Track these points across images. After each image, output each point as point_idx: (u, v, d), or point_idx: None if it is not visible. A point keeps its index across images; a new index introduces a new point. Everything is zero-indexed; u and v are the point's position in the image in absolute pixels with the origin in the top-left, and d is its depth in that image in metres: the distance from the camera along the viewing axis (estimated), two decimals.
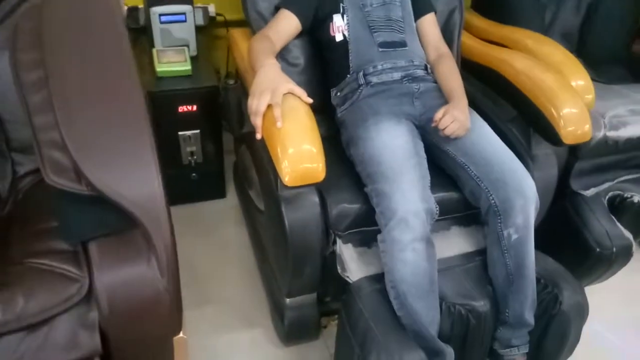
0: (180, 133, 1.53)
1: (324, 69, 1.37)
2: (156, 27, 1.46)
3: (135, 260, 0.77)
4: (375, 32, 1.27)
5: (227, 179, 1.80)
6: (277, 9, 1.30)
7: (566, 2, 1.73)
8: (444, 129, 1.11)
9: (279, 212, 1.05)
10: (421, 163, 1.09)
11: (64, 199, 0.78)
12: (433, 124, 1.12)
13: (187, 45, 1.53)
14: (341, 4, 1.28)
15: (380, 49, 1.26)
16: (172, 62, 1.46)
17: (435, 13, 1.40)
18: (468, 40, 1.51)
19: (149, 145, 0.77)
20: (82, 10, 0.89)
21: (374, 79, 1.24)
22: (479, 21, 1.63)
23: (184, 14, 1.47)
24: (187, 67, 1.47)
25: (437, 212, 1.03)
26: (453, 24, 1.49)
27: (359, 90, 1.24)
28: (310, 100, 1.03)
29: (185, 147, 1.57)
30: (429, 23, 1.37)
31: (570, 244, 1.39)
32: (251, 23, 1.35)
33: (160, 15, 1.44)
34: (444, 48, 1.36)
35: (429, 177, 1.08)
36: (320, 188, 1.08)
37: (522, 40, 1.45)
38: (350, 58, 1.27)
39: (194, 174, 1.66)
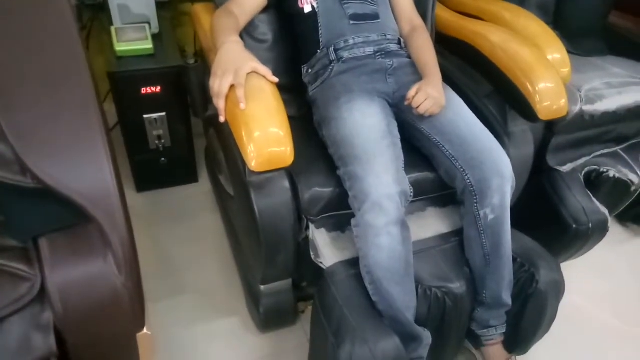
0: (145, 116, 1.46)
1: (293, 45, 1.31)
2: (113, 3, 1.38)
3: (90, 256, 0.72)
4: (345, 3, 1.21)
5: (200, 164, 1.74)
6: None
7: None
8: (417, 107, 1.07)
9: (248, 198, 1.00)
10: (395, 143, 1.05)
11: (9, 194, 0.72)
12: (406, 102, 1.08)
13: (148, 22, 1.44)
14: None
15: (352, 22, 1.20)
16: (132, 41, 1.38)
17: None
18: (442, 13, 1.46)
19: (98, 134, 0.71)
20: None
21: (346, 54, 1.19)
22: None
23: None
24: (148, 45, 1.39)
25: (412, 194, 1.00)
26: None
27: (331, 67, 1.19)
28: (276, 80, 0.97)
29: (152, 130, 1.50)
30: None
31: (547, 221, 1.38)
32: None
33: None
34: (418, 20, 1.31)
35: (402, 158, 1.04)
36: (291, 172, 1.04)
37: (499, 12, 1.41)
38: (320, 32, 1.21)
39: (162, 159, 1.59)
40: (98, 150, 0.70)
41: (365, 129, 1.03)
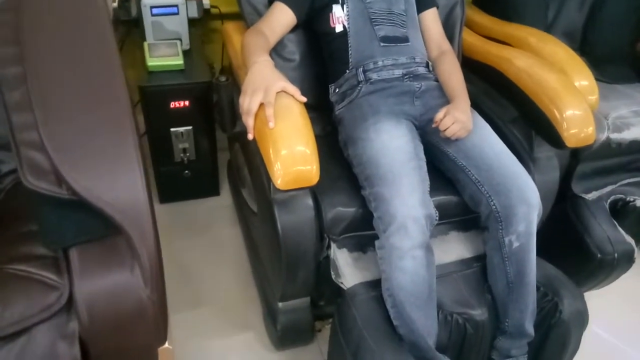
0: (172, 129, 1.49)
1: (320, 64, 1.33)
2: (147, 19, 1.41)
3: (118, 268, 0.73)
4: (376, 25, 1.22)
5: (221, 177, 1.76)
6: (270, 2, 1.26)
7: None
8: (444, 130, 1.07)
9: (271, 215, 1.01)
10: (421, 166, 1.05)
11: (44, 203, 0.74)
12: (434, 125, 1.08)
13: (180, 39, 1.48)
14: None
15: (382, 44, 1.21)
16: (164, 57, 1.41)
17: (437, 8, 1.35)
18: (469, 37, 1.47)
19: (133, 148, 0.73)
20: (65, 3, 0.85)
21: (374, 76, 1.20)
22: (481, 17, 1.58)
23: (176, 6, 1.42)
24: (179, 61, 1.42)
25: (437, 217, 1.00)
26: (454, 20, 1.44)
27: (359, 88, 1.20)
28: (304, 99, 0.99)
29: (178, 143, 1.52)
30: (432, 18, 1.33)
31: (571, 249, 1.36)
32: (245, 17, 1.30)
33: (151, 7, 1.39)
34: (446, 45, 1.32)
35: (428, 181, 1.04)
36: (314, 190, 1.05)
37: (525, 38, 1.41)
38: (350, 52, 1.22)
39: (186, 171, 1.61)
40: (132, 165, 0.72)
41: (392, 150, 1.04)
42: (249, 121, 0.94)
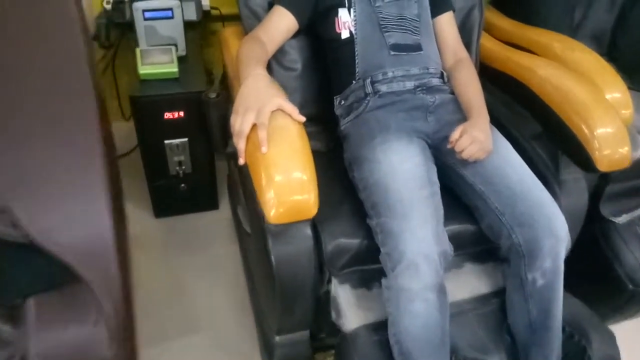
0: (166, 142, 1.39)
1: (325, 73, 1.22)
2: (140, 24, 1.32)
3: (80, 322, 0.63)
4: (386, 32, 1.11)
5: (221, 190, 1.66)
6: (271, 5, 1.15)
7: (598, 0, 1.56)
8: (461, 152, 0.95)
9: (265, 244, 0.91)
10: (435, 193, 0.93)
11: None
12: (449, 145, 0.97)
13: (175, 45, 1.38)
14: None
15: (392, 52, 1.10)
16: (157, 64, 1.32)
17: (454, 11, 1.23)
18: (488, 43, 1.34)
19: (99, 183, 0.63)
20: (31, 13, 0.75)
21: (383, 88, 1.09)
22: (501, 21, 1.45)
23: (170, 9, 1.32)
24: (173, 69, 1.32)
25: (452, 253, 0.88)
26: (471, 24, 1.32)
27: (366, 101, 1.09)
28: (303, 119, 0.88)
29: (172, 156, 1.43)
30: (447, 23, 1.21)
31: (599, 278, 1.24)
32: (243, 21, 1.20)
33: (144, 11, 1.30)
34: (463, 52, 1.20)
35: (442, 210, 0.93)
36: (314, 218, 0.94)
37: (549, 44, 1.28)
38: (356, 61, 1.11)
39: (183, 185, 1.52)
40: (97, 203, 0.62)
41: (402, 174, 0.92)
42: (240, 144, 0.84)
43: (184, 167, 1.46)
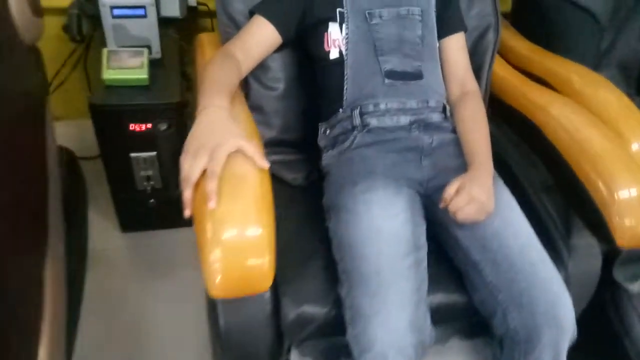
0: (132, 155, 1.24)
1: (311, 95, 1.07)
2: (107, 22, 1.16)
3: None
4: (382, 55, 0.96)
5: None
6: (251, 14, 0.99)
7: (630, 24, 1.37)
8: (455, 212, 0.80)
9: (213, 308, 0.77)
10: (420, 261, 0.79)
11: None
12: (442, 204, 0.82)
13: (148, 46, 1.22)
14: (339, 10, 0.97)
15: (387, 80, 0.95)
16: (124, 68, 1.16)
17: (465, 32, 1.07)
18: (500, 71, 1.18)
19: None
20: None
21: (374, 122, 0.94)
22: (518, 43, 1.29)
23: (143, 7, 1.16)
24: (142, 75, 1.17)
25: (432, 341, 0.74)
26: (484, 48, 1.16)
27: (353, 136, 0.94)
28: (267, 165, 0.73)
29: (139, 170, 1.28)
30: (457, 47, 1.05)
31: (606, 351, 1.09)
32: (220, 29, 1.04)
33: (112, 7, 1.14)
34: (472, 84, 1.04)
35: (427, 282, 0.78)
36: (275, 277, 0.80)
37: (567, 77, 1.12)
38: (345, 87, 0.96)
39: (152, 200, 1.37)
40: None
41: (384, 236, 0.78)
42: (186, 193, 0.69)
43: (152, 182, 1.31)
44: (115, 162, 1.26)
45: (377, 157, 0.90)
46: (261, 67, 1.02)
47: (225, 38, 1.03)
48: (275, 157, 1.06)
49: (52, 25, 1.36)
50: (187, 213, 0.70)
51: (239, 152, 0.71)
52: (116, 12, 1.15)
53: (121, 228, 1.46)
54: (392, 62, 0.95)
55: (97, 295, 1.32)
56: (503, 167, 1.00)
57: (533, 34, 1.29)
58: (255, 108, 1.05)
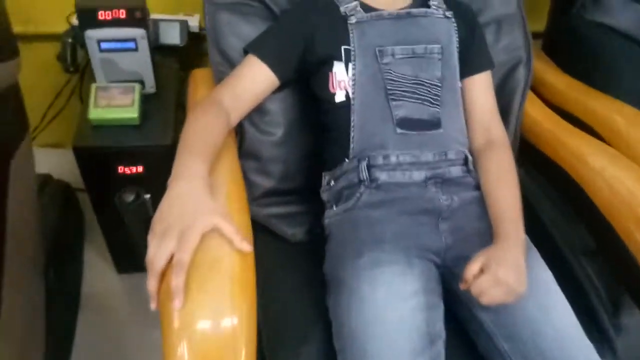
0: (122, 196, 1.14)
1: (315, 139, 0.95)
2: (95, 56, 1.07)
3: None
4: (394, 99, 0.83)
5: None
6: (245, 53, 0.88)
7: None
8: (479, 295, 0.67)
9: None
10: (436, 356, 0.65)
11: None
12: (462, 286, 0.68)
13: (141, 81, 1.13)
14: (344, 47, 0.85)
15: (399, 130, 0.82)
16: (113, 107, 1.06)
17: (492, 69, 0.93)
18: (532, 110, 1.04)
19: None
20: None
21: (383, 176, 0.81)
22: (552, 75, 1.14)
23: (133, 40, 1.06)
24: (132, 114, 1.07)
25: None
26: (513, 86, 1.02)
27: (359, 192, 0.81)
28: (249, 249, 0.61)
29: (130, 214, 1.18)
30: (482, 87, 0.91)
31: None
32: (212, 68, 0.93)
33: (99, 41, 1.04)
34: (498, 130, 0.90)
35: None
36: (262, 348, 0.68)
37: (610, 118, 0.98)
38: (351, 134, 0.83)
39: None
40: None
41: (390, 327, 0.65)
42: (150, 283, 0.58)
43: (147, 225, 1.21)
44: (104, 206, 1.16)
45: (386, 221, 0.77)
46: (258, 110, 0.91)
47: (218, 77, 0.92)
48: (273, 210, 0.95)
49: (48, 51, 1.28)
50: (152, 306, 0.59)
51: (215, 230, 0.60)
52: (104, 45, 1.05)
53: (117, 269, 1.36)
54: (406, 108, 0.82)
55: (89, 342, 1.23)
56: (535, 224, 0.85)
57: (570, 65, 1.14)
58: (250, 155, 0.93)
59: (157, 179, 1.13)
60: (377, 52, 0.83)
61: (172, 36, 1.30)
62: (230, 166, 0.77)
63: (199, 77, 1.01)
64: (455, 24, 0.88)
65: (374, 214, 0.79)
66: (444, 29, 0.87)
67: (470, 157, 0.86)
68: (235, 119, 0.83)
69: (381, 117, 0.83)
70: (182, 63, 1.33)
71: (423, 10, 0.87)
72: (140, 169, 1.10)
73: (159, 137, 1.08)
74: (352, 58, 0.84)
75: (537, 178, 1.01)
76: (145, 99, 1.13)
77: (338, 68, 0.85)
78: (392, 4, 0.87)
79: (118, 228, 1.21)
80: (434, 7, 0.88)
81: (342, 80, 0.84)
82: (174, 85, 1.24)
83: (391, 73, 0.83)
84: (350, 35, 0.84)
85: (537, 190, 0.96)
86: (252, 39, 0.90)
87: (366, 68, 0.84)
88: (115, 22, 1.03)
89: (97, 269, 1.40)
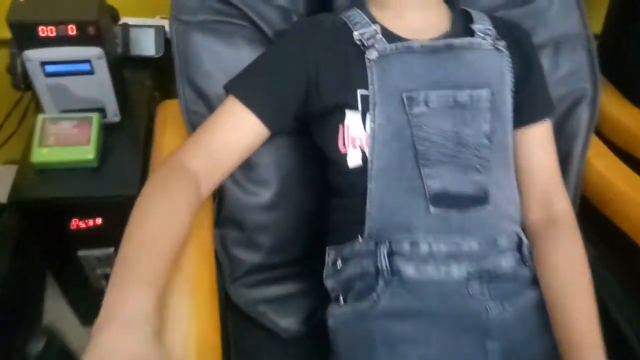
0: (80, 253, 0.94)
1: (316, 197, 0.73)
2: (40, 82, 0.84)
3: None
4: (427, 165, 0.60)
5: None
6: (227, 89, 0.66)
7: None
8: None
9: None
10: None
11: None
12: None
13: (102, 109, 0.90)
14: (360, 91, 0.62)
15: (434, 209, 0.60)
16: (63, 146, 0.84)
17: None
18: (597, 162, 0.80)
19: None
20: None
21: (409, 270, 0.59)
22: (619, 109, 0.91)
23: (87, 61, 0.83)
24: (87, 155, 0.84)
25: None
26: (574, 129, 0.79)
27: (377, 291, 0.59)
28: None
29: (94, 268, 0.97)
30: (541, 140, 0.69)
31: None
32: (182, 108, 0.71)
33: (43, 64, 0.81)
34: (562, 201, 0.67)
35: None
36: None
37: None
38: (367, 208, 0.61)
39: None
40: None
41: None
42: None
43: None
44: (60, 262, 0.95)
45: (412, 342, 0.56)
46: (242, 164, 0.69)
47: (191, 122, 0.70)
48: (260, 292, 0.74)
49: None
50: None
51: None
52: (50, 69, 0.82)
53: (81, 322, 1.16)
54: (443, 179, 0.60)
55: None
56: (606, 322, 0.64)
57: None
58: (232, 223, 0.72)
59: (120, 232, 0.92)
60: (405, 99, 0.61)
61: (145, 46, 1.07)
62: (199, 253, 0.55)
63: (170, 114, 0.78)
64: (509, 58, 0.65)
65: (396, 328, 0.57)
66: (494, 65, 0.64)
67: (525, 241, 0.64)
68: (208, 189, 0.61)
69: (409, 189, 0.60)
70: (156, 79, 1.10)
71: (467, 40, 0.64)
72: (99, 221, 0.89)
73: (122, 184, 0.85)
74: (370, 107, 0.61)
75: (597, 243, 0.79)
76: (108, 131, 0.91)
77: (352, 120, 0.62)
78: (424, 30, 0.64)
79: (79, 285, 1.02)
80: (480, 34, 0.65)
81: (357, 136, 0.62)
82: (145, 110, 1.01)
83: (424, 128, 0.61)
84: (369, 74, 0.61)
85: (604, 268, 0.74)
86: (236, 70, 0.67)
87: (390, 121, 0.61)
88: (63, 40, 0.80)
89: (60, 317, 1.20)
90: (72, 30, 0.80)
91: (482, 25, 0.66)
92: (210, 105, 0.69)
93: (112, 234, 0.91)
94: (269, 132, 0.64)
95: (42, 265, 0.93)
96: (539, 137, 0.68)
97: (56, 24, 0.79)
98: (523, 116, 0.67)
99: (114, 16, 1.10)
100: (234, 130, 0.62)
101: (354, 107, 0.62)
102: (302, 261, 0.74)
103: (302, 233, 0.74)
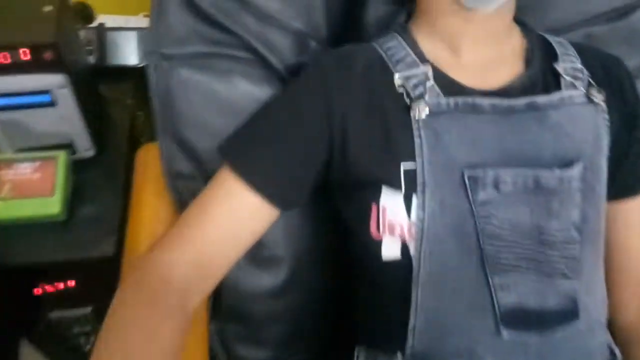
0: (52, 315, 0.79)
1: (338, 282, 0.57)
2: None
3: None
4: (497, 271, 0.44)
5: None
6: (222, 155, 0.49)
7: None
8: None
9: None
10: None
11: None
12: None
13: (69, 145, 0.73)
14: (404, 165, 0.45)
15: (506, 333, 0.43)
16: (20, 198, 0.68)
17: None
18: None
19: None
20: None
21: None
22: None
23: (47, 92, 0.66)
24: (52, 208, 0.68)
25: None
26: None
27: None
28: None
29: (70, 329, 0.83)
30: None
31: None
32: (164, 170, 0.54)
33: None
34: None
35: None
36: None
37: None
38: (411, 321, 0.45)
39: None
40: None
41: None
42: None
43: (92, 338, 0.86)
44: (31, 325, 0.80)
45: None
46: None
47: (176, 191, 0.53)
48: None
49: None
50: None
51: None
52: (3, 101, 0.65)
53: None
54: (520, 291, 0.44)
55: None
56: None
57: None
58: (234, 316, 0.57)
59: (97, 290, 0.79)
60: (467, 180, 0.44)
61: (125, 53, 0.90)
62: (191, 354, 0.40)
63: (152, 165, 0.61)
64: (606, 114, 0.47)
65: None
66: (589, 127, 0.47)
67: (619, 355, 0.48)
68: (198, 303, 0.45)
69: (471, 304, 0.44)
70: (140, 94, 0.92)
71: (556, 97, 0.46)
72: (72, 283, 0.73)
73: (96, 241, 0.69)
74: (418, 187, 0.44)
75: None
76: (79, 169, 0.75)
77: (390, 201, 0.46)
78: (490, 73, 0.47)
79: (58, 344, 0.88)
80: (568, 78, 0.47)
81: (397, 223, 0.46)
82: (126, 136, 0.84)
83: (493, 222, 0.44)
84: (416, 141, 0.44)
85: None
86: (235, 120, 0.50)
87: (445, 210, 0.44)
88: (15, 67, 0.63)
89: None
90: (25, 54, 0.62)
91: (569, 63, 0.48)
92: (201, 166, 0.53)
93: (87, 294, 0.77)
94: (279, 212, 0.48)
95: (12, 331, 0.78)
96: (638, 214, 0.51)
97: (5, 48, 0.61)
98: (619, 187, 0.50)
99: (88, 16, 0.92)
100: (231, 219, 0.46)
101: (394, 185, 0.45)
102: (320, 357, 0.59)
103: (319, 324, 0.58)
